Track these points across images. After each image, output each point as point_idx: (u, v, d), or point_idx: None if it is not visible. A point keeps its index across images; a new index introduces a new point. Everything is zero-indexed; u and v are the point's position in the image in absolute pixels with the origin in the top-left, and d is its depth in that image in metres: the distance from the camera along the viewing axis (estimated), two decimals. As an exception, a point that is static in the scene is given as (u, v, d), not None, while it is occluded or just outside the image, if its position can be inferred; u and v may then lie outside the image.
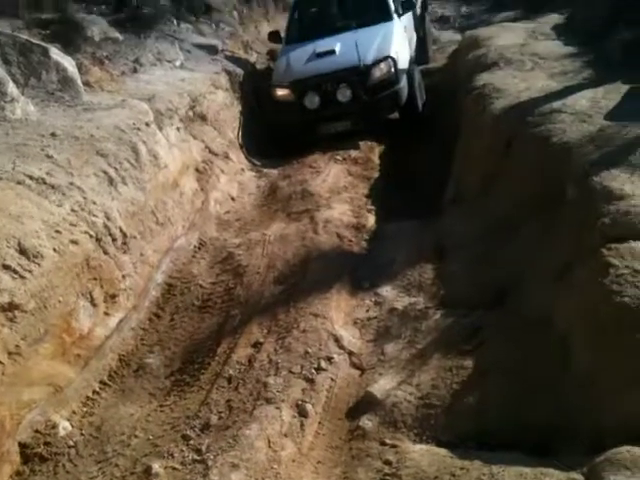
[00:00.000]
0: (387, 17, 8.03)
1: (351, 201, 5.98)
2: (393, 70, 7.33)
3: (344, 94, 7.32)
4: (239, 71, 8.40)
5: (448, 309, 3.87)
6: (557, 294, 3.26)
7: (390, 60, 7.34)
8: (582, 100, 4.80)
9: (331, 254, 4.92)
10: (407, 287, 4.31)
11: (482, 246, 4.34)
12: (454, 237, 4.72)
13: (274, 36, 8.93)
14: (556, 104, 4.81)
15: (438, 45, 11.27)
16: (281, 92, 7.61)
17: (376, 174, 6.72)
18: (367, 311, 4.21)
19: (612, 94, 4.82)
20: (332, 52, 7.50)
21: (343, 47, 7.49)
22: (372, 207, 5.89)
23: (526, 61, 6.37)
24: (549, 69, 5.97)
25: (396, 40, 7.65)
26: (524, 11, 10.76)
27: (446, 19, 14.22)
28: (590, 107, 4.63)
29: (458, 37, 10.72)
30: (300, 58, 7.74)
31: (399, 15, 8.19)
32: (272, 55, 10.01)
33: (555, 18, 8.59)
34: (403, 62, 7.56)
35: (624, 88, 4.91)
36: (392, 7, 8.15)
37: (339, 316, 4.11)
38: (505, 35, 7.80)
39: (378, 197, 6.16)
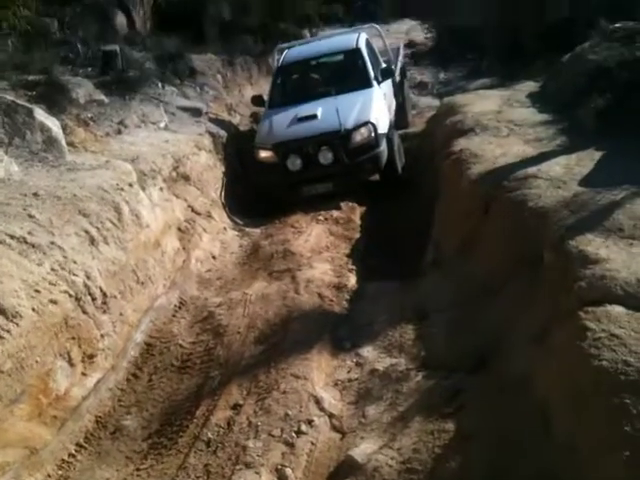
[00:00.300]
0: (367, 84, 8.30)
1: (332, 261, 6.03)
2: (373, 135, 7.57)
3: (326, 157, 7.52)
4: (222, 133, 8.57)
5: (429, 371, 3.88)
6: (536, 358, 3.28)
7: (370, 125, 7.58)
8: (556, 166, 4.93)
9: (312, 314, 4.93)
10: (388, 348, 4.32)
11: (462, 308, 4.38)
12: (435, 298, 4.76)
13: (257, 100, 9.17)
14: (531, 170, 4.93)
15: (417, 110, 11.56)
16: (264, 154, 7.79)
17: (357, 234, 6.80)
18: (348, 372, 4.21)
19: (586, 161, 4.94)
20: (314, 116, 7.73)
21: (324, 112, 7.72)
22: (353, 267, 5.94)
23: (502, 127, 6.55)
24: (524, 136, 6.14)
25: (376, 106, 7.92)
26: (500, 78, 11.13)
27: (424, 85, 14.60)
28: (565, 173, 4.75)
29: (436, 102, 11.02)
30: (283, 121, 7.95)
31: (379, 82, 8.47)
32: (255, 118, 10.28)
33: (530, 86, 8.88)
34: (383, 127, 7.79)
35: (597, 155, 5.07)
36: (372, 75, 8.46)
37: (320, 377, 4.10)
38: (481, 102, 8.04)
39: (359, 257, 6.22)
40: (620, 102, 5.79)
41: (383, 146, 7.65)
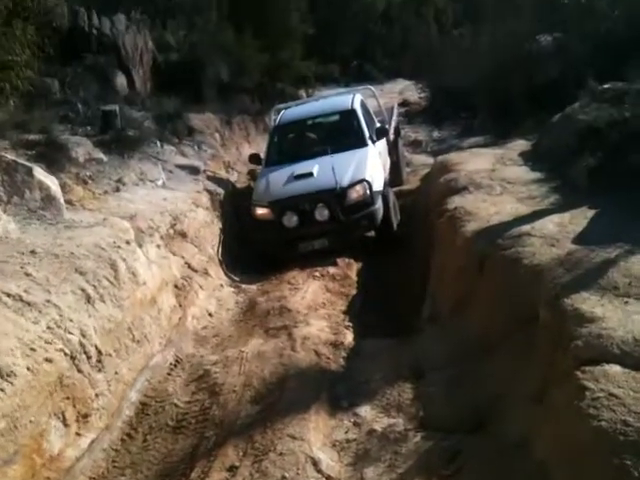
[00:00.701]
0: (362, 143, 8.48)
1: (329, 318, 6.02)
2: (368, 192, 7.69)
3: (322, 214, 7.61)
4: (220, 190, 8.68)
5: (428, 431, 3.83)
6: (535, 418, 3.26)
7: (365, 183, 7.70)
8: (550, 224, 4.98)
9: (309, 372, 4.89)
10: (386, 407, 4.27)
11: (460, 366, 4.36)
12: (432, 356, 4.75)
13: (254, 158, 9.35)
14: (525, 228, 4.99)
15: (411, 167, 11.73)
16: (261, 211, 7.90)
17: (354, 291, 6.80)
18: (346, 432, 4.14)
19: (579, 219, 4.99)
20: (310, 174, 7.85)
21: (320, 170, 7.85)
22: (350, 324, 5.92)
23: (495, 186, 6.64)
24: (517, 194, 6.22)
25: (371, 164, 8.07)
26: (492, 137, 11.35)
27: (418, 143, 14.86)
28: (558, 231, 4.80)
29: (430, 160, 11.19)
30: (279, 179, 8.08)
31: (373, 141, 8.64)
32: (252, 175, 10.44)
33: (522, 145, 9.04)
34: (378, 185, 7.92)
35: (590, 213, 5.13)
36: (367, 134, 8.64)
37: (317, 438, 4.03)
38: (474, 160, 8.16)
39: (356, 314, 6.21)
40: (611, 161, 5.89)
41: (378, 204, 7.76)
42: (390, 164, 9.58)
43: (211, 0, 17.96)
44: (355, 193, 7.68)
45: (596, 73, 9.78)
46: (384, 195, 7.99)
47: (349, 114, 8.97)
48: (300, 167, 8.08)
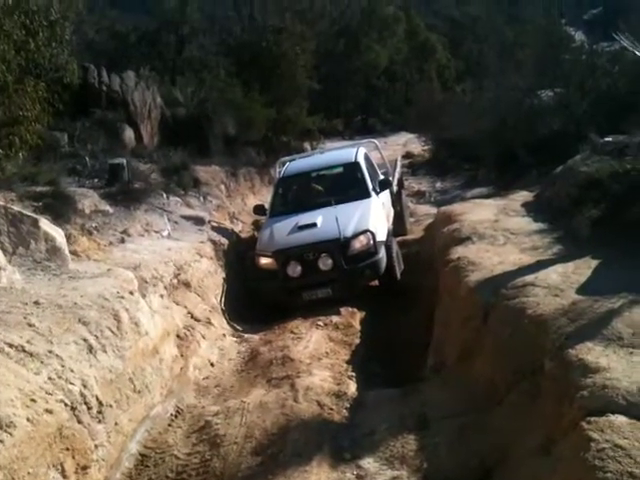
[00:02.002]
0: (366, 195, 8.61)
1: (332, 367, 5.96)
2: (372, 242, 7.75)
3: (325, 263, 7.67)
4: (224, 240, 8.76)
5: (432, 484, 3.76)
6: (541, 469, 3.20)
7: (369, 233, 7.78)
8: (554, 274, 4.99)
9: (311, 423, 4.82)
10: (390, 459, 4.19)
11: (465, 417, 4.30)
12: (436, 407, 4.68)
13: (259, 209, 9.50)
14: (529, 278, 4.99)
15: (415, 218, 11.82)
16: (265, 261, 7.96)
17: (357, 340, 6.76)
18: (348, 485, 4.07)
19: (582, 269, 5.01)
20: (314, 225, 7.94)
21: (324, 221, 7.95)
22: (353, 374, 5.86)
23: (498, 236, 6.67)
24: (520, 244, 6.25)
25: (374, 215, 8.16)
26: (495, 188, 11.45)
27: (422, 194, 14.99)
28: (562, 281, 4.81)
29: (434, 210, 11.27)
30: (283, 230, 8.15)
31: (377, 193, 8.77)
32: (257, 225, 10.50)
33: (525, 196, 9.12)
34: (381, 235, 7.97)
35: (594, 263, 5.14)
36: (370, 186, 8.78)
37: (319, 491, 3.96)
38: (478, 211, 8.23)
39: (359, 363, 6.15)
40: (613, 212, 5.95)
41: (382, 253, 7.80)
42: (394, 214, 9.69)
43: (219, 57, 18.50)
44: (359, 243, 7.76)
45: (597, 127, 9.94)
46: (387, 245, 8.02)
47: (353, 166, 9.12)
48: (304, 218, 8.17)
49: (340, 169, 9.40)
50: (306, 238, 7.82)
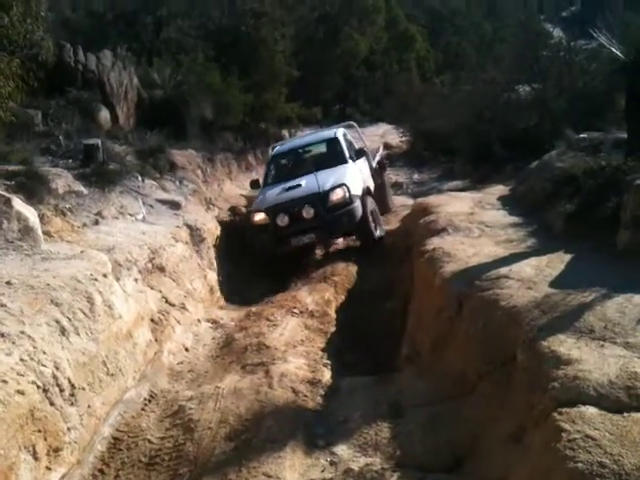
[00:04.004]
0: (343, 161, 9.98)
1: (307, 355, 5.98)
2: (347, 195, 9.03)
3: (308, 212, 8.96)
4: (200, 225, 8.66)
5: (405, 470, 3.79)
6: (512, 458, 3.26)
7: (345, 187, 9.08)
8: (527, 267, 5.06)
9: (286, 409, 4.83)
10: (363, 446, 4.22)
11: (438, 405, 4.36)
12: (410, 395, 4.73)
13: (254, 183, 11.02)
14: (503, 270, 5.05)
15: (392, 208, 11.88)
16: (258, 217, 9.27)
17: (333, 328, 6.79)
18: (322, 471, 4.08)
19: (556, 262, 5.09)
20: (298, 185, 9.34)
21: (307, 182, 9.29)
22: (328, 362, 5.88)
23: (474, 228, 6.75)
24: (495, 237, 6.33)
25: (349, 175, 9.50)
26: (471, 181, 11.56)
27: (399, 185, 15.08)
28: (535, 274, 4.87)
29: (410, 202, 11.37)
30: (274, 193, 9.56)
31: (353, 160, 10.11)
32: (234, 211, 10.95)
33: (500, 189, 9.23)
34: (356, 190, 9.23)
35: (567, 257, 5.22)
36: (347, 154, 10.17)
37: (293, 476, 3.96)
38: (454, 203, 8.31)
39: (334, 351, 6.18)
40: (587, 207, 6.04)
41: (357, 203, 9.07)
42: (375, 186, 10.78)
43: (198, 41, 18.27)
44: (335, 195, 9.02)
45: (573, 123, 10.07)
46: (363, 200, 9.22)
47: (332, 141, 10.60)
48: (291, 182, 9.57)
49: (322, 145, 10.93)
50: (292, 195, 9.16)
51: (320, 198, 8.94)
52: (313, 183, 9.10)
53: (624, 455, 2.72)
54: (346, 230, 9.29)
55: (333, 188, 9.03)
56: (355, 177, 9.57)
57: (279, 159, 10.96)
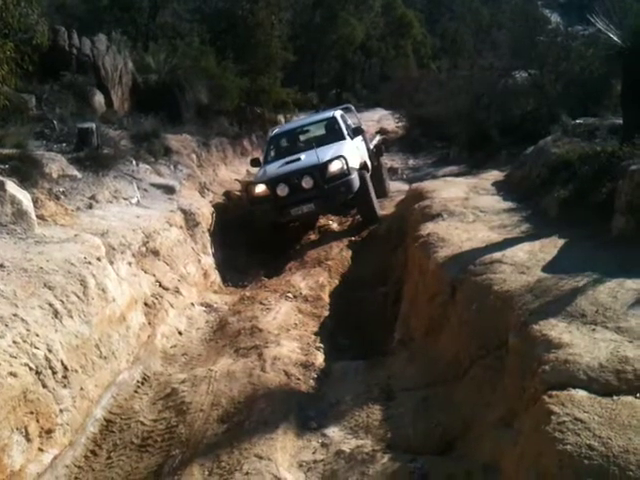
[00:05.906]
0: (341, 138, 10.35)
1: (300, 338, 5.99)
2: (345, 166, 9.31)
3: (307, 182, 9.25)
4: (194, 210, 8.64)
5: (395, 453, 3.82)
6: (503, 440, 3.28)
7: (342, 158, 9.36)
8: (521, 252, 5.06)
9: (278, 392, 4.85)
10: (354, 429, 4.25)
11: (430, 388, 4.38)
12: (402, 378, 4.75)
13: (255, 162, 11.19)
14: (496, 255, 5.06)
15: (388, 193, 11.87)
16: (259, 189, 9.54)
17: (326, 312, 6.81)
18: (313, 453, 4.10)
19: (549, 248, 5.09)
20: (298, 159, 9.70)
21: (307, 156, 9.64)
22: (321, 345, 5.90)
23: (468, 214, 6.75)
24: (490, 222, 6.33)
25: (347, 148, 9.87)
26: (467, 167, 11.54)
27: (394, 170, 15.03)
28: (528, 259, 4.88)
29: (405, 187, 11.35)
30: (274, 166, 9.94)
31: (351, 137, 10.45)
32: (228, 196, 10.90)
33: (495, 175, 9.22)
34: (353, 162, 9.58)
35: (560, 242, 5.23)
36: (345, 132, 10.52)
37: (284, 458, 3.99)
38: (449, 188, 8.30)
39: (327, 335, 6.20)
40: (582, 193, 6.04)
41: (354, 175, 9.38)
42: (372, 168, 10.95)
43: (193, 24, 18.12)
44: (334, 167, 9.29)
45: (569, 109, 10.04)
46: (361, 174, 9.58)
47: (331, 120, 11.01)
48: (290, 157, 9.95)
49: (321, 125, 11.45)
50: (292, 167, 9.50)
51: (319, 169, 9.22)
52: (312, 156, 9.39)
53: (612, 438, 2.73)
54: (343, 199, 9.49)
55: (331, 160, 9.33)
56: (353, 152, 9.92)
57: (279, 139, 11.35)
